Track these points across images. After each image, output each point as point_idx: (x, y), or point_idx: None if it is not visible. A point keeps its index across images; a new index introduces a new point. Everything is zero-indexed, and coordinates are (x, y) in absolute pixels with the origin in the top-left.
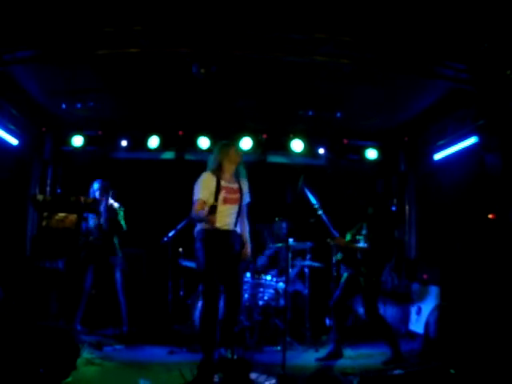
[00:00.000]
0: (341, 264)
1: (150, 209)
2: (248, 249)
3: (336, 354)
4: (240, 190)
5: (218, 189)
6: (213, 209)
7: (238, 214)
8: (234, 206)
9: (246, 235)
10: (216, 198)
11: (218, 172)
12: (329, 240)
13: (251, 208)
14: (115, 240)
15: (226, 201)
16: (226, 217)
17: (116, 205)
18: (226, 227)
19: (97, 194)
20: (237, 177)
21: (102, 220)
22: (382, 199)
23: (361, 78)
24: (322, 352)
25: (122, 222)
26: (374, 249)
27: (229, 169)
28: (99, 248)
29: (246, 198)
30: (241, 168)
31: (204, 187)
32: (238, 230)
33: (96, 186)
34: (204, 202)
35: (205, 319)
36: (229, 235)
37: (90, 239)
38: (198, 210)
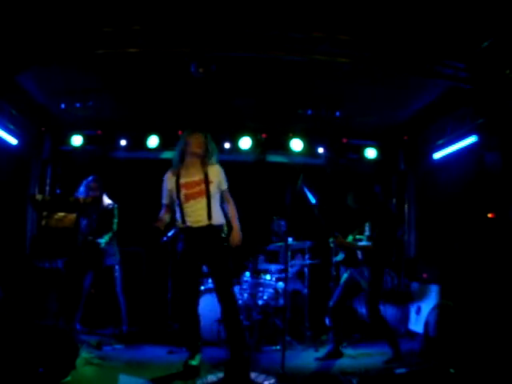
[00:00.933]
0: (341, 265)
1: (150, 208)
2: (236, 234)
3: (335, 354)
4: (205, 180)
5: (178, 188)
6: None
7: (209, 205)
8: (199, 199)
9: (233, 221)
10: (178, 197)
11: (177, 169)
12: (331, 240)
13: (250, 207)
14: (104, 239)
15: (187, 197)
16: (194, 213)
17: (109, 202)
18: (197, 224)
19: (84, 191)
20: (204, 165)
21: (94, 220)
22: (384, 199)
23: (360, 77)
24: (322, 352)
25: (115, 221)
26: (378, 248)
27: (190, 161)
28: (94, 250)
29: (220, 186)
30: (208, 153)
31: (165, 190)
32: (217, 222)
33: (87, 183)
34: (166, 206)
35: (179, 319)
36: (202, 231)
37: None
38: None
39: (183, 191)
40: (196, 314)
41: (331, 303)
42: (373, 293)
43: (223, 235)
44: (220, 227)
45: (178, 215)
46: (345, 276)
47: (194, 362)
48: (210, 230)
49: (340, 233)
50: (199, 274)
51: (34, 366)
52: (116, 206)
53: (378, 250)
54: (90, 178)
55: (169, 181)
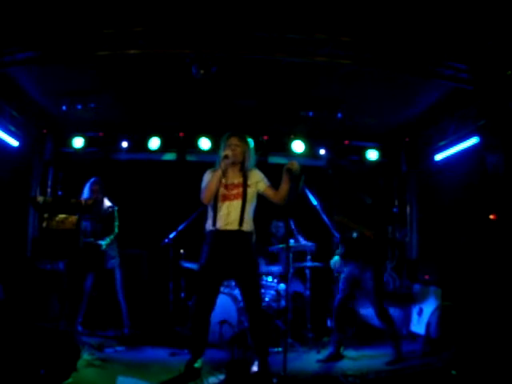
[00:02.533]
0: (340, 259)
1: (151, 210)
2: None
3: (336, 356)
4: (243, 184)
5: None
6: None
7: (243, 210)
8: (234, 202)
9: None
10: (215, 196)
11: (218, 169)
12: (334, 217)
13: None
14: (105, 241)
15: (224, 198)
16: (227, 215)
17: (109, 205)
18: (226, 227)
19: (87, 193)
20: (242, 169)
21: (95, 222)
22: (383, 191)
23: (361, 79)
24: (324, 353)
25: (116, 223)
26: (377, 236)
27: (230, 164)
28: (96, 252)
29: (258, 187)
30: (247, 157)
31: (203, 182)
32: (247, 228)
33: (89, 185)
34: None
35: (191, 324)
36: (231, 236)
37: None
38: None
39: (221, 190)
40: (208, 322)
41: (335, 304)
42: (378, 291)
43: (253, 243)
44: (250, 235)
45: (209, 216)
46: (345, 271)
47: (197, 365)
48: (240, 235)
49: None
50: (221, 283)
51: (35, 367)
52: (116, 208)
53: (377, 240)
54: (92, 180)
55: (209, 176)
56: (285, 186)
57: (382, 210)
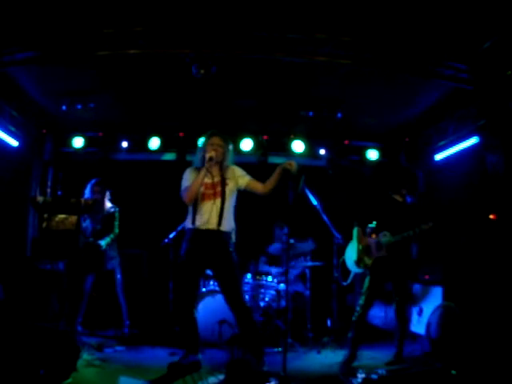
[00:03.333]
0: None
1: (151, 210)
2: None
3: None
4: (221, 182)
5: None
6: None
7: (222, 209)
8: (213, 201)
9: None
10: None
11: (199, 167)
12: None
13: (251, 209)
14: (105, 241)
15: (203, 197)
16: (205, 214)
17: (110, 205)
18: (205, 226)
19: (89, 193)
20: (221, 168)
21: (96, 223)
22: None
23: (361, 79)
24: (324, 353)
25: (117, 224)
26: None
27: (210, 163)
28: (95, 252)
29: (238, 184)
30: (226, 157)
31: (185, 180)
32: (226, 228)
33: (91, 186)
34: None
35: (178, 323)
36: (208, 235)
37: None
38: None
39: (202, 189)
40: (193, 316)
41: (356, 317)
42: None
43: (231, 242)
44: (229, 234)
45: (189, 214)
46: (366, 281)
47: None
48: (218, 235)
49: (339, 234)
50: (199, 278)
51: (34, 367)
52: (117, 209)
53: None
54: (93, 181)
55: (189, 174)
56: (274, 180)
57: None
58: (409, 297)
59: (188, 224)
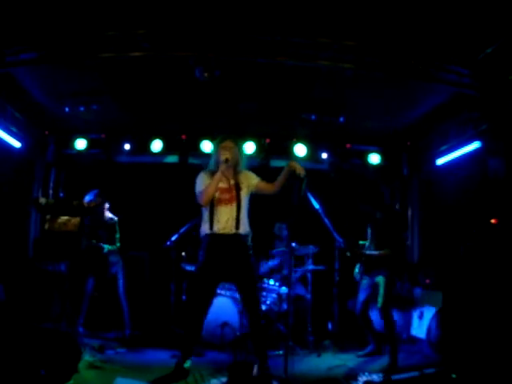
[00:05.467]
0: (361, 274)
1: (153, 212)
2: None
3: (377, 351)
4: (236, 186)
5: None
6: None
7: (239, 213)
8: (228, 206)
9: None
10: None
11: (213, 171)
12: (348, 254)
13: (253, 211)
14: (108, 247)
15: (219, 202)
16: (223, 219)
17: (111, 216)
18: (224, 231)
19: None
20: (235, 172)
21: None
22: (388, 202)
23: (363, 82)
24: (324, 357)
25: (118, 236)
26: (394, 252)
27: (223, 167)
28: (98, 254)
29: (250, 186)
30: (240, 160)
31: (199, 184)
32: (244, 231)
33: (91, 196)
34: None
35: (184, 325)
36: (227, 239)
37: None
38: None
39: (217, 194)
40: (202, 324)
41: (358, 311)
42: (387, 295)
43: (249, 245)
44: (246, 237)
45: (204, 220)
46: (364, 282)
47: (186, 365)
48: (237, 239)
49: (341, 237)
50: (217, 286)
51: (36, 368)
52: (117, 220)
53: (395, 254)
54: (94, 192)
55: (202, 179)
56: (283, 179)
57: (395, 224)
58: (409, 301)
59: (205, 230)
